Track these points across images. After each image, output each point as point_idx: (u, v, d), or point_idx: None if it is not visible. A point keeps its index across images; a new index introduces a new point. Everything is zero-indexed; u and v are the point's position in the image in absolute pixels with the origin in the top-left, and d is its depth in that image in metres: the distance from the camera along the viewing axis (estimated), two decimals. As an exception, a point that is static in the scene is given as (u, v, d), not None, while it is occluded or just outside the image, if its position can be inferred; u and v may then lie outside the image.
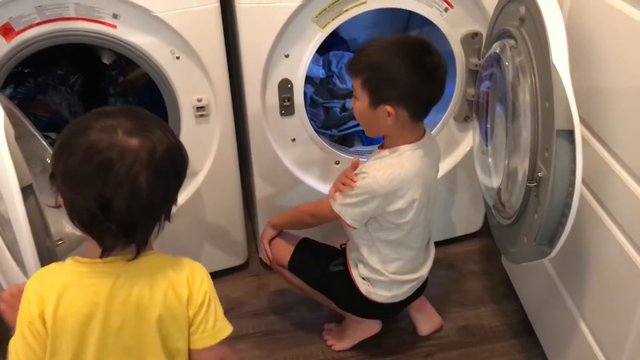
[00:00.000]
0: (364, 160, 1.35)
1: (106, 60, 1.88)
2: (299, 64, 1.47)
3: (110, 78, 1.84)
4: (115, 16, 1.33)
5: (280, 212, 1.50)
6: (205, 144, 1.54)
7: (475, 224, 1.86)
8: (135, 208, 0.87)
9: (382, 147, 1.34)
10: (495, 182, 1.43)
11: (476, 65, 1.52)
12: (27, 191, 1.00)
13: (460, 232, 1.87)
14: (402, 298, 1.43)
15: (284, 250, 1.50)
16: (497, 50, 1.33)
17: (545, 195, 1.10)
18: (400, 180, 1.26)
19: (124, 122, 0.88)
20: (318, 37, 1.45)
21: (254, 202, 1.69)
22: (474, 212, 1.83)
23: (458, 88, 1.59)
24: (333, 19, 1.44)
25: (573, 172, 1.05)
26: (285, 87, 1.49)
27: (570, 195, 1.07)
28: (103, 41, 1.36)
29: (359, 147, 1.76)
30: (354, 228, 1.32)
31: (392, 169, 1.26)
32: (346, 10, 1.43)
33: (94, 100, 1.81)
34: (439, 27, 1.50)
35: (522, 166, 1.19)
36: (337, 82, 1.84)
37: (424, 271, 1.43)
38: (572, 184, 1.05)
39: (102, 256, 0.91)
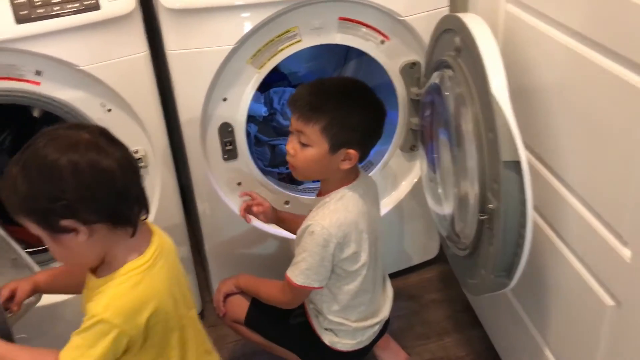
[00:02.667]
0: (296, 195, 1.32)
1: (36, 113, 1.79)
2: (238, 106, 1.43)
3: (42, 133, 1.75)
4: (38, 73, 1.26)
5: (249, 277, 1.42)
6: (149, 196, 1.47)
7: (432, 251, 1.84)
8: (139, 181, 0.97)
9: (321, 193, 1.31)
10: (446, 209, 1.41)
11: (417, 95, 1.51)
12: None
13: (416, 261, 1.84)
14: (367, 343, 1.38)
15: (239, 306, 1.43)
16: (437, 81, 1.32)
17: (498, 227, 1.08)
18: (348, 224, 1.23)
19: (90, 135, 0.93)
20: (255, 78, 1.41)
21: (203, 251, 1.62)
22: (429, 239, 1.81)
23: (401, 118, 1.57)
24: (269, 59, 1.40)
25: (523, 202, 1.03)
26: (225, 131, 1.44)
27: (522, 225, 1.05)
28: (27, 99, 1.28)
29: (307, 185, 1.71)
30: (321, 288, 1.28)
31: (337, 214, 1.23)
32: (281, 50, 1.40)
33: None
34: (376, 59, 1.48)
35: (473, 191, 1.17)
36: (281, 119, 1.80)
37: (385, 312, 1.39)
38: (524, 214, 1.04)
39: (134, 234, 0.95)
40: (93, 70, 1.28)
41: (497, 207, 1.07)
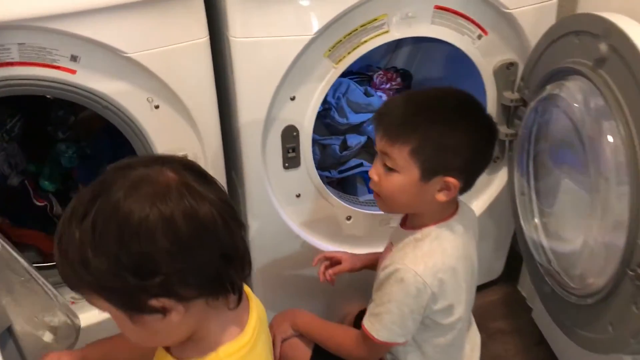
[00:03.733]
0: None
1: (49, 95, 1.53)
2: (307, 107, 1.19)
3: (58, 119, 1.49)
4: (74, 58, 1.01)
5: (311, 318, 1.20)
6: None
7: (496, 271, 1.64)
8: (242, 230, 0.72)
9: (408, 226, 1.07)
10: (548, 241, 1.20)
11: (511, 101, 1.29)
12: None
13: (479, 282, 1.63)
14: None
15: (299, 353, 1.20)
16: (557, 92, 1.09)
17: (655, 287, 0.88)
18: (445, 271, 1.00)
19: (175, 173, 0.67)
20: (331, 74, 1.17)
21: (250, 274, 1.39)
22: (496, 260, 1.60)
23: (488, 126, 1.35)
24: (349, 52, 1.16)
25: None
26: (290, 135, 1.21)
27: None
28: (59, 91, 1.03)
29: (368, 197, 1.49)
30: (406, 343, 1.06)
31: (433, 258, 1.00)
32: (364, 42, 1.16)
33: (38, 148, 1.47)
34: (470, 57, 1.25)
35: (614, 237, 0.96)
36: (336, 115, 1.56)
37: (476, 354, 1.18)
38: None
39: (238, 305, 0.72)
40: (142, 59, 1.03)
41: (660, 264, 0.86)
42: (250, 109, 1.15)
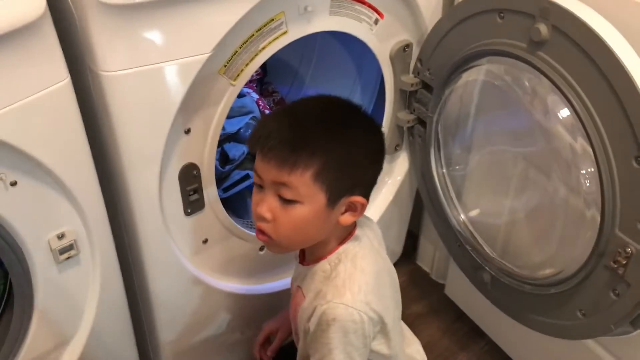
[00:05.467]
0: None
1: None
2: (206, 138, 0.96)
3: None
4: None
5: None
6: (78, 299, 0.95)
7: (396, 254, 1.57)
8: None
9: (308, 261, 0.93)
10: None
11: (412, 85, 1.18)
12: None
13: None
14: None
15: None
16: (483, 77, 1.01)
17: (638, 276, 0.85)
18: (371, 291, 0.86)
19: None
20: (229, 94, 0.95)
21: (157, 350, 1.13)
22: (397, 243, 1.54)
23: (388, 114, 1.23)
24: (247, 64, 0.95)
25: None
26: (189, 175, 0.97)
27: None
28: None
29: None
30: None
31: (356, 282, 0.86)
32: (262, 49, 0.95)
33: None
34: (367, 44, 1.11)
35: (578, 232, 0.92)
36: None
37: None
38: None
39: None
40: (-17, 126, 0.72)
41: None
42: (138, 155, 0.89)
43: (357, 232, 0.92)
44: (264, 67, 1.54)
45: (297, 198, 0.82)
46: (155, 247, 0.99)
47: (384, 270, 0.92)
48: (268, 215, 0.83)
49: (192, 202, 1.00)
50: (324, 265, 0.88)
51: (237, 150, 1.31)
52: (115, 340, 1.04)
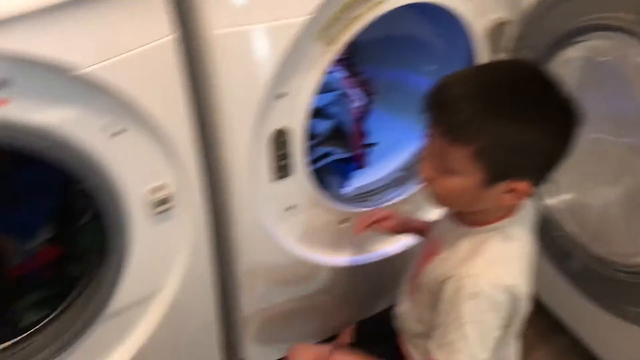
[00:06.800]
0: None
1: None
2: (300, 103, 0.97)
3: None
4: (3, 83, 0.71)
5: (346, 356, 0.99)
6: (170, 252, 0.98)
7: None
8: None
9: (463, 221, 0.89)
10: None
11: (506, 64, 1.15)
12: None
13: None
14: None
15: None
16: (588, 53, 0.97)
17: None
18: (519, 274, 0.84)
19: None
20: (324, 60, 0.96)
21: (234, 312, 1.16)
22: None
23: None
24: (342, 31, 0.95)
25: None
26: (280, 140, 0.98)
27: None
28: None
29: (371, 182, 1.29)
30: None
31: (505, 262, 0.83)
32: (358, 16, 0.95)
33: None
34: (461, 17, 1.09)
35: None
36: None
37: None
38: None
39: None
40: (95, 74, 0.75)
41: None
42: (235, 115, 0.91)
43: (519, 214, 0.86)
44: (349, 47, 1.54)
45: (453, 168, 0.79)
46: (242, 209, 1.01)
47: (530, 256, 0.88)
48: (425, 176, 0.82)
49: (281, 168, 1.01)
50: (474, 232, 0.85)
51: (321, 126, 1.32)
52: (199, 300, 1.07)
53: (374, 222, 1.05)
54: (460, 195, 0.82)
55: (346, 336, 1.15)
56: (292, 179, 1.04)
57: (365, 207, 1.19)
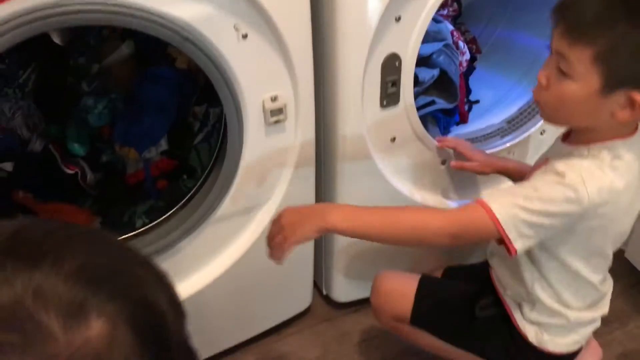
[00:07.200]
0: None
1: (57, 39, 1.26)
2: (413, 29, 0.99)
3: (79, 68, 1.23)
4: (148, -27, 0.78)
5: (346, 207, 0.85)
6: (278, 165, 1.03)
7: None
8: None
9: (570, 141, 0.88)
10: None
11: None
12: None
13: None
14: (583, 343, 1.04)
15: (402, 298, 1.06)
16: None
17: None
18: (610, 191, 0.82)
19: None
20: (443, -14, 0.98)
21: (333, 239, 1.20)
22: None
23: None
24: (463, -40, 0.97)
25: None
26: (391, 65, 1.01)
27: None
28: (128, 19, 0.80)
29: (461, 130, 1.30)
30: (513, 253, 0.85)
31: (601, 174, 0.81)
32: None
33: (59, 106, 1.21)
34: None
35: None
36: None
37: (607, 303, 1.05)
38: None
39: None
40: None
41: None
42: (352, 34, 0.95)
43: (632, 139, 0.84)
44: (459, 5, 1.55)
45: (570, 73, 0.78)
46: (350, 130, 1.05)
47: (637, 187, 0.86)
48: (543, 80, 0.82)
49: (390, 95, 1.04)
50: (582, 149, 0.84)
51: (426, 74, 1.33)
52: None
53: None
54: (573, 104, 0.81)
55: (435, 275, 1.17)
56: (398, 109, 1.07)
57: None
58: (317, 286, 1.33)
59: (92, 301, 0.30)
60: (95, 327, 0.29)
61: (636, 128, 0.86)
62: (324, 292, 1.33)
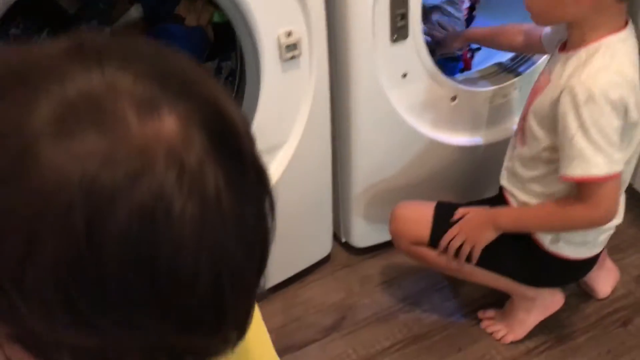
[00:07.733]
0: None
1: (67, 6, 1.28)
2: (420, -40, 1.02)
3: (90, 32, 1.25)
4: None
5: (508, 210, 1.06)
6: (294, 103, 1.06)
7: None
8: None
9: (567, 48, 0.93)
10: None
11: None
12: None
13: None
14: (598, 251, 1.08)
15: (420, 222, 1.10)
16: None
17: None
18: (626, 86, 0.87)
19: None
20: None
21: (347, 171, 1.23)
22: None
23: None
24: None
25: None
26: (399, -1, 1.04)
27: None
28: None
29: (480, 66, 1.32)
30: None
31: (611, 71, 0.86)
32: None
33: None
34: None
35: None
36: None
37: (622, 211, 1.07)
38: None
39: None
40: None
41: None
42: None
43: (627, 31, 0.89)
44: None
45: None
46: (362, 66, 1.08)
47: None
48: None
49: (399, 29, 1.06)
50: (580, 54, 0.89)
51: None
52: (318, 158, 1.15)
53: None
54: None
55: None
56: (408, 44, 1.09)
57: (474, 87, 1.23)
58: (335, 236, 1.36)
59: (162, 98, 0.29)
60: (169, 122, 0.29)
61: (626, 22, 0.91)
62: (343, 240, 1.36)
